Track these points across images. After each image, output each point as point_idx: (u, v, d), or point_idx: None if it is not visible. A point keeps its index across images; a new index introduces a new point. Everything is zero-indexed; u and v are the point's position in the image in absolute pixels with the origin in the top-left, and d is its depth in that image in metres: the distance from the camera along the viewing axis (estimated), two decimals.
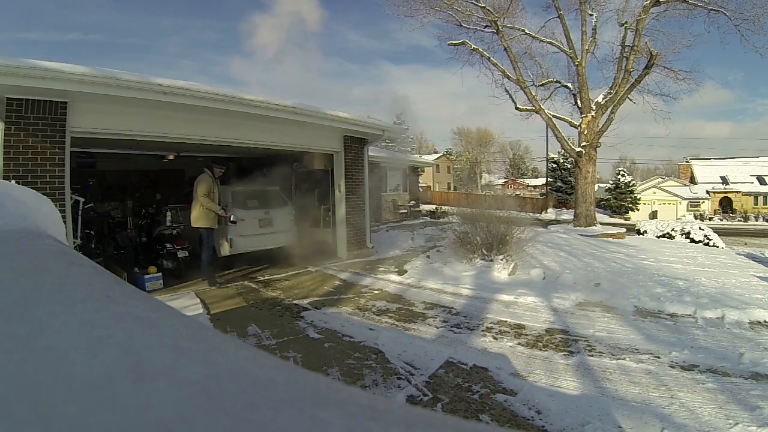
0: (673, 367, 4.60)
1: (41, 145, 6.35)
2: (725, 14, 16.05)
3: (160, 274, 8.23)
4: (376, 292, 7.91)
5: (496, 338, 5.61)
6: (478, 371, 4.55)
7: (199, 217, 8.19)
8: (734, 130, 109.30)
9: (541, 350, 5.15)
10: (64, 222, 5.23)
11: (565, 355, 4.98)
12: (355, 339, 5.51)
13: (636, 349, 5.10)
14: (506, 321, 6.25)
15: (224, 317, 6.49)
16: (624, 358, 4.83)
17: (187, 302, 7.05)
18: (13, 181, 5.13)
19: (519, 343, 5.38)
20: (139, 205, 10.84)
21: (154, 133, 7.81)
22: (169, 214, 9.60)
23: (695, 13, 16.69)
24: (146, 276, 7.95)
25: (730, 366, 4.62)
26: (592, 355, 4.94)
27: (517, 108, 19.39)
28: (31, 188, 1.61)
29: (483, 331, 5.88)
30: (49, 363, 0.34)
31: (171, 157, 12.52)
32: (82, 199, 8.05)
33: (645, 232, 16.61)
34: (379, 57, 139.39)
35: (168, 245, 9.00)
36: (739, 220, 39.65)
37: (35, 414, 0.28)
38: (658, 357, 4.85)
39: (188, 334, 0.43)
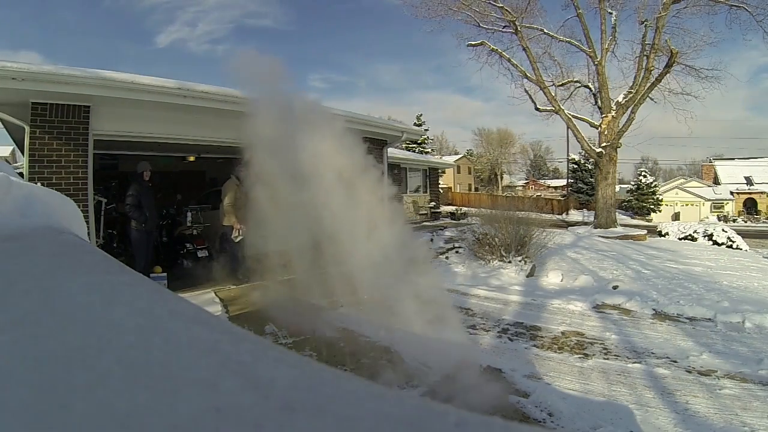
0: (689, 371, 4.57)
1: (65, 147, 6.52)
2: (747, 10, 15.77)
3: (165, 274, 8.29)
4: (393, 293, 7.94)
5: (511, 339, 5.62)
6: (492, 372, 4.57)
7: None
8: (757, 129, 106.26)
9: (555, 352, 5.14)
10: (87, 222, 5.33)
11: (580, 357, 4.97)
12: (371, 338, 5.56)
13: (652, 353, 5.06)
14: (522, 323, 6.25)
15: (243, 317, 6.57)
16: (639, 362, 4.80)
17: (206, 302, 7.15)
18: (38, 183, 5.28)
19: (534, 345, 5.39)
20: (160, 206, 11.02)
21: (175, 135, 7.96)
22: (189, 214, 9.75)
23: (716, 9, 16.44)
24: (151, 275, 8.01)
25: (750, 372, 4.57)
26: (607, 358, 4.92)
27: (537, 108, 19.26)
28: (55, 189, 1.70)
29: (499, 332, 5.89)
30: (62, 299, 0.63)
31: (192, 158, 12.68)
32: (104, 200, 8.22)
33: (666, 233, 16.39)
34: (403, 57, 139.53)
35: (188, 245, 9.14)
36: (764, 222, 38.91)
37: (54, 321, 0.54)
38: (675, 361, 4.81)
39: (149, 289, 0.75)
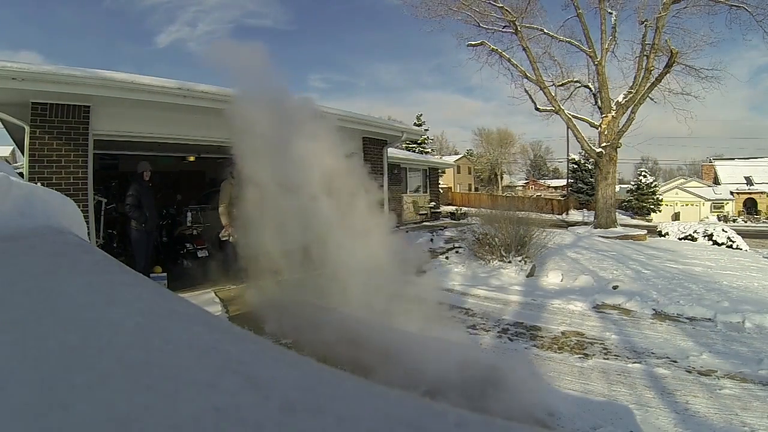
0: (689, 371, 4.57)
1: (65, 147, 6.52)
2: (747, 10, 15.75)
3: (165, 274, 8.27)
4: (392, 292, 7.93)
5: (511, 339, 5.61)
6: (491, 371, 4.56)
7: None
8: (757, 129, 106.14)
9: (556, 352, 5.14)
10: (87, 222, 5.32)
11: (580, 357, 4.97)
12: (370, 338, 5.55)
13: (652, 353, 5.06)
14: (522, 323, 6.25)
15: (243, 317, 6.57)
16: (639, 362, 4.80)
17: (206, 302, 7.14)
18: (38, 183, 5.27)
19: (534, 345, 5.38)
20: (161, 206, 11.01)
21: (175, 135, 7.95)
22: (189, 214, 9.75)
23: (716, 9, 16.42)
24: (152, 275, 7.99)
25: (750, 372, 4.57)
26: (607, 358, 4.92)
27: (537, 108, 19.24)
28: (55, 189, 1.70)
29: (499, 332, 5.89)
30: (62, 299, 0.63)
31: (192, 158, 12.68)
32: (104, 200, 8.20)
33: (666, 233, 16.39)
34: (403, 57, 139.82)
35: (188, 245, 9.13)
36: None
37: (54, 321, 0.54)
38: (675, 361, 4.81)
39: (149, 289, 0.77)
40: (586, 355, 5.04)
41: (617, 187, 23.97)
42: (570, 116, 18.51)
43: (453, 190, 52.00)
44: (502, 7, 18.02)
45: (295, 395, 0.37)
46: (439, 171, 30.03)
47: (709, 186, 47.35)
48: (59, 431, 0.32)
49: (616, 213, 19.05)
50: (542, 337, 5.69)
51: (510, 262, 9.32)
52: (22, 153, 7.61)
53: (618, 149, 17.63)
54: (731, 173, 47.50)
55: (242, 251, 7.94)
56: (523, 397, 3.88)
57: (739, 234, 15.18)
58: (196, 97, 7.31)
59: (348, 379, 0.44)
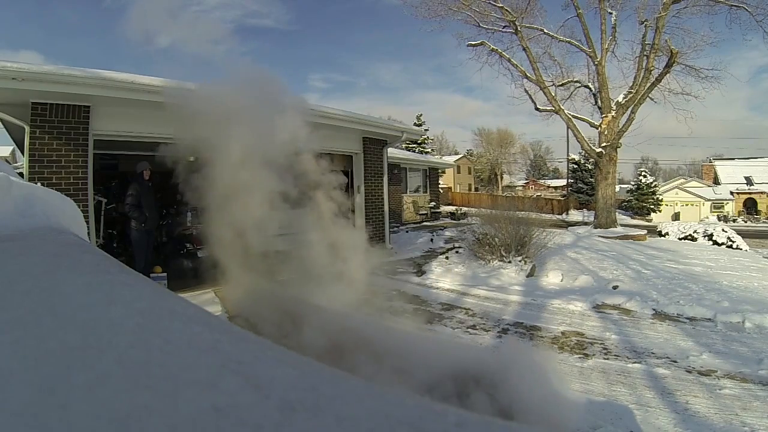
0: (689, 371, 4.57)
1: (65, 147, 6.52)
2: (747, 10, 15.75)
3: (165, 274, 8.26)
4: (393, 293, 7.93)
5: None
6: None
7: None
8: (757, 129, 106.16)
9: (555, 352, 5.14)
10: (87, 222, 5.31)
11: (580, 357, 4.97)
12: (367, 337, 5.55)
13: (652, 352, 5.06)
14: (522, 323, 6.25)
15: (242, 317, 6.56)
16: (639, 362, 4.80)
17: (206, 302, 7.14)
18: (38, 183, 5.26)
19: (534, 345, 5.38)
20: (160, 206, 11.00)
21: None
22: (189, 214, 9.73)
23: (716, 9, 16.42)
24: (152, 275, 7.99)
25: (750, 372, 4.56)
26: (607, 358, 4.92)
27: (537, 108, 19.22)
28: (55, 189, 1.70)
29: (499, 332, 5.89)
30: (62, 299, 0.62)
31: (192, 158, 12.66)
32: (104, 200, 8.19)
33: (666, 233, 16.38)
34: (403, 57, 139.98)
35: (188, 245, 9.11)
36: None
37: (54, 321, 0.53)
38: (675, 361, 4.81)
39: (149, 289, 0.76)
40: (586, 355, 5.04)
41: (617, 187, 23.97)
42: (570, 116, 18.49)
43: (453, 190, 51.96)
44: (502, 7, 18.01)
45: (294, 395, 0.37)
46: (439, 171, 30.05)
47: (709, 186, 47.28)
48: (59, 431, 0.32)
49: (616, 213, 19.03)
50: (542, 337, 5.69)
51: (510, 262, 9.31)
52: (22, 153, 7.61)
53: (618, 149, 17.61)
54: (731, 173, 47.42)
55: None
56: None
57: (739, 234, 15.16)
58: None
59: (348, 379, 0.44)
